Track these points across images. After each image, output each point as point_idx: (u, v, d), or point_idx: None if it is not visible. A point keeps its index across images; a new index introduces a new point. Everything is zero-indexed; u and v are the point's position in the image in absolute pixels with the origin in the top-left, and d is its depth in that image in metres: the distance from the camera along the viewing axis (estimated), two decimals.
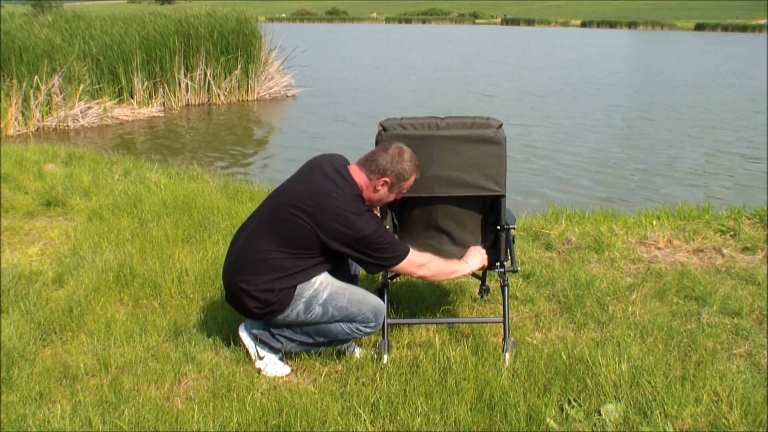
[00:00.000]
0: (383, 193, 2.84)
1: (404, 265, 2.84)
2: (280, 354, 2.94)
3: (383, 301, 3.00)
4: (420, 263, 2.88)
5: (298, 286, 2.81)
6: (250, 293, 2.79)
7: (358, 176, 2.81)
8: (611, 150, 10.55)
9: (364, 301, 2.88)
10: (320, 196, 2.73)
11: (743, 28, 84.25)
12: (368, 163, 2.81)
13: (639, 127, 12.67)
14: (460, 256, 3.13)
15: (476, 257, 3.08)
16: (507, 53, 35.45)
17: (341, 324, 2.87)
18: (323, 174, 2.80)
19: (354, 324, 2.87)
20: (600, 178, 8.79)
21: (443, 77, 21.49)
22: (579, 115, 13.81)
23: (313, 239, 2.73)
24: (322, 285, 2.84)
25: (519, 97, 16.91)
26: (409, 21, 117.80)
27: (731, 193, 8.04)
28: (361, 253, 2.76)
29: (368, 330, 2.91)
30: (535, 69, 25.41)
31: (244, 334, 2.97)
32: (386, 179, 2.79)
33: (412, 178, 2.85)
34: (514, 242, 3.16)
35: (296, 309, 2.82)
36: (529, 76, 22.46)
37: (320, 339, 2.93)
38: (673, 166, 9.49)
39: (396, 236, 3.16)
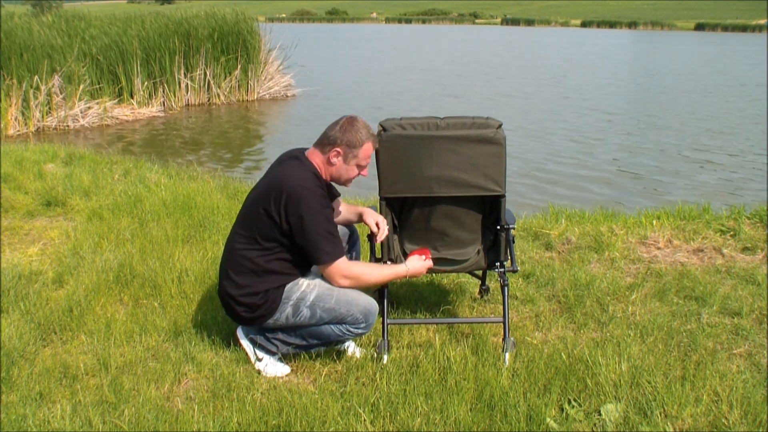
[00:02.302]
0: (339, 164, 2.84)
1: (332, 268, 2.78)
2: (278, 355, 2.94)
3: (383, 300, 2.99)
4: (347, 274, 2.81)
5: (286, 289, 2.81)
6: (236, 298, 2.82)
7: (315, 156, 2.86)
8: (569, 151, 10.41)
9: (354, 302, 2.83)
10: (274, 179, 2.82)
11: (743, 28, 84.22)
12: (321, 139, 2.87)
13: (606, 128, 12.51)
14: (459, 256, 3.14)
15: (417, 261, 3.00)
16: (499, 53, 35.40)
17: (331, 326, 2.85)
18: (280, 162, 2.91)
19: (344, 325, 2.85)
20: (557, 179, 8.65)
21: (438, 78, 21.48)
22: (554, 118, 13.66)
23: (272, 226, 2.74)
24: (310, 287, 2.84)
25: (490, 97, 16.90)
26: (409, 21, 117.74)
27: (700, 196, 7.93)
28: (303, 233, 2.71)
29: (359, 331, 2.87)
30: (520, 70, 25.37)
31: (242, 339, 2.98)
32: (338, 149, 2.81)
33: (366, 146, 2.82)
34: (514, 242, 3.16)
35: (285, 312, 2.82)
36: (513, 76, 22.42)
37: (314, 341, 2.92)
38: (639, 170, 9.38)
39: (396, 236, 3.17)
